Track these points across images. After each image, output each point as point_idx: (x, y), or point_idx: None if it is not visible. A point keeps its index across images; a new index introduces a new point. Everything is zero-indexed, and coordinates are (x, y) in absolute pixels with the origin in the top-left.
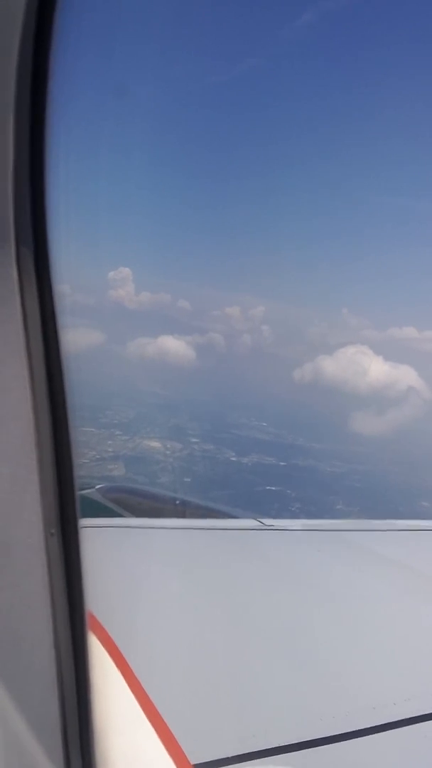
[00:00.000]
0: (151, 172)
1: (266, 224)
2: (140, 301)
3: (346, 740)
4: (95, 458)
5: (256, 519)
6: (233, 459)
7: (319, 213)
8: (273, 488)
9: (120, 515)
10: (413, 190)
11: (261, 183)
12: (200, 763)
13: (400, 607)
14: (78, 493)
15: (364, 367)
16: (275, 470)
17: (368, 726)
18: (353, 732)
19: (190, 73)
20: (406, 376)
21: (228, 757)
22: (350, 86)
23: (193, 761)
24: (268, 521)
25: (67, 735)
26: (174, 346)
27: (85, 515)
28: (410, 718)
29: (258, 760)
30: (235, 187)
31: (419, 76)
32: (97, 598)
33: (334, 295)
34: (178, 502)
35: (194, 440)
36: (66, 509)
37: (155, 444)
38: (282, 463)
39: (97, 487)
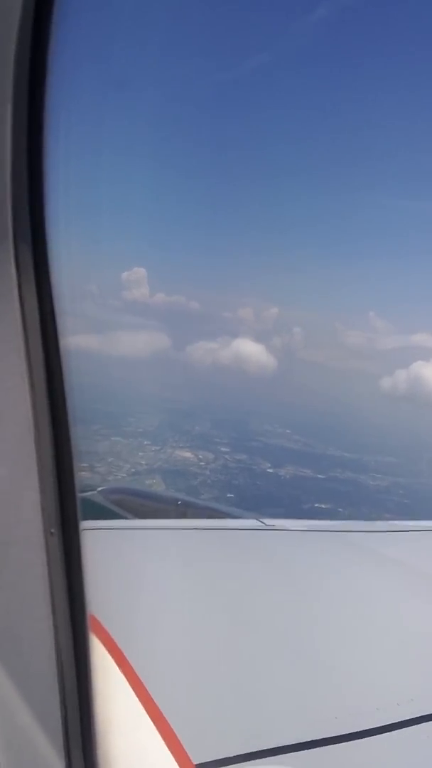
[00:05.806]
0: (157, 172)
1: (277, 225)
2: (155, 302)
3: (349, 741)
4: (131, 472)
5: (257, 519)
6: (270, 471)
7: (333, 214)
8: (323, 506)
9: (122, 517)
10: (414, 192)
11: (269, 183)
12: (202, 763)
13: (403, 607)
14: (79, 493)
15: None
16: (317, 484)
17: (372, 727)
18: (356, 733)
19: (196, 69)
20: None
21: (230, 757)
22: (365, 85)
23: (195, 761)
24: (269, 521)
25: (69, 735)
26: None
27: (88, 517)
28: (414, 719)
29: (260, 760)
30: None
31: None
32: (99, 600)
33: (358, 299)
34: (179, 503)
35: (224, 449)
36: (66, 509)
37: (187, 454)
38: (320, 476)
39: (99, 489)
